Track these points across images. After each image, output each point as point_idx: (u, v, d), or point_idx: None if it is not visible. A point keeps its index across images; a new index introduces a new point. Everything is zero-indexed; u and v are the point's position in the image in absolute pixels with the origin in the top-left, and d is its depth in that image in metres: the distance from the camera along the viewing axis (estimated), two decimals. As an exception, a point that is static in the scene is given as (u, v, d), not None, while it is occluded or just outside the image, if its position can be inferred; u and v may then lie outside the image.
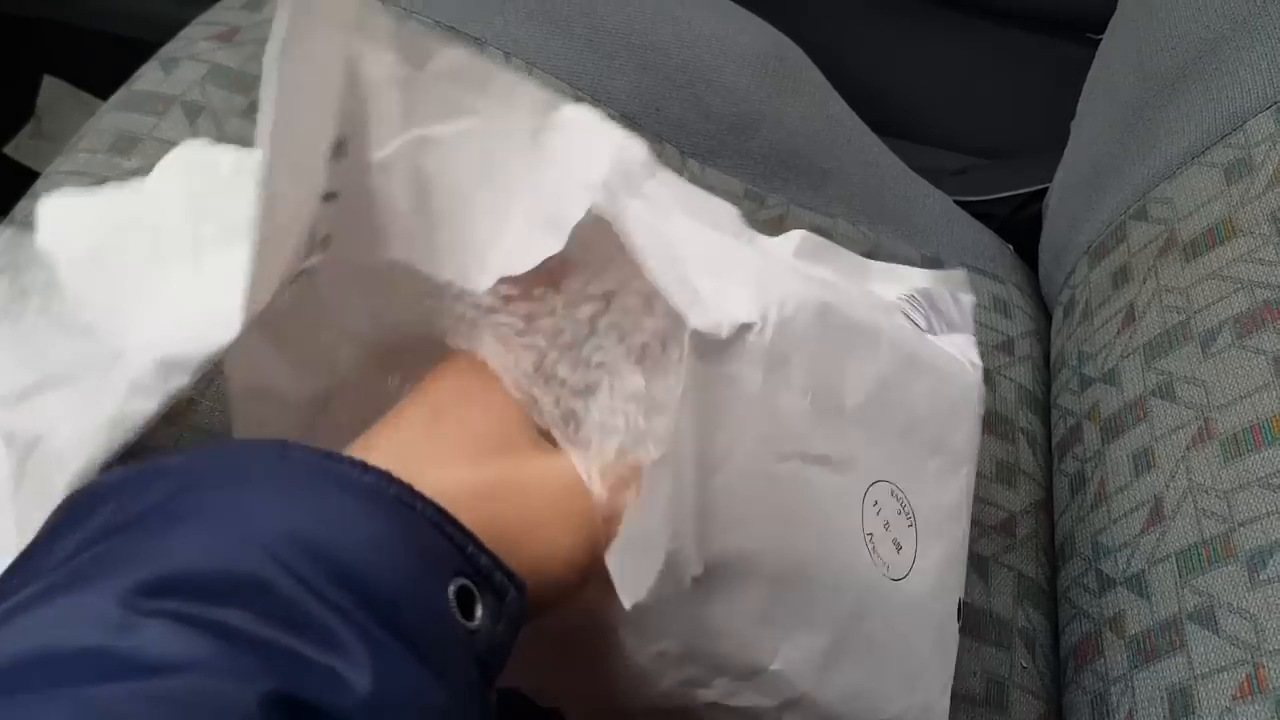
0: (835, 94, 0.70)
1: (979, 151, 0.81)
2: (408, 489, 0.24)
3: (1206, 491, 0.46)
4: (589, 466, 0.30)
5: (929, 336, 0.42)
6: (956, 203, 0.71)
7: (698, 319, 0.29)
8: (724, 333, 0.30)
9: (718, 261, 0.32)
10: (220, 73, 0.58)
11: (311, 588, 0.20)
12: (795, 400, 0.33)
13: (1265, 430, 0.45)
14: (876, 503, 0.34)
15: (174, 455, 0.24)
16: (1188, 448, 0.47)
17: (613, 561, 0.29)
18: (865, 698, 0.35)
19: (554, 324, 0.31)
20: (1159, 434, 0.50)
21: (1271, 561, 0.42)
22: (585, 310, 0.32)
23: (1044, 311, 0.68)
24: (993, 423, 0.59)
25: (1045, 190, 0.69)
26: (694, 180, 0.63)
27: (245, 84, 0.58)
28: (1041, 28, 0.78)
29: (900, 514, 0.35)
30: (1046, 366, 0.64)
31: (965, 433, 0.41)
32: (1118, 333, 0.56)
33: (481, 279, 0.31)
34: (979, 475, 0.57)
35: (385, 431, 0.29)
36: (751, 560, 0.31)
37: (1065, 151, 0.67)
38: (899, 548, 0.35)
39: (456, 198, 0.31)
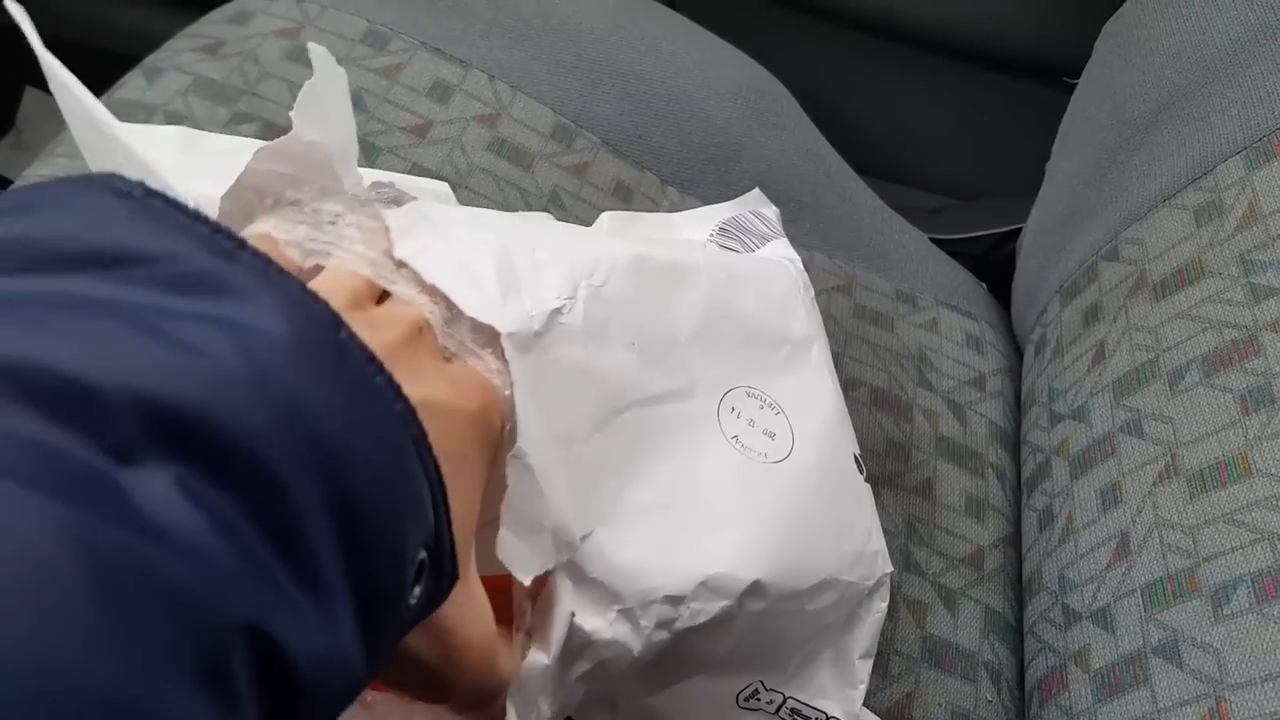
0: (815, 130, 0.71)
1: (955, 193, 0.82)
2: (397, 388, 0.21)
3: (1172, 527, 0.46)
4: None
5: (745, 255, 0.47)
6: (932, 240, 0.72)
7: (507, 324, 0.30)
8: (536, 325, 0.32)
9: (525, 258, 0.34)
10: (204, 84, 0.58)
11: (310, 505, 0.18)
12: (620, 356, 0.36)
13: (1231, 467, 0.45)
14: (734, 408, 0.38)
15: None
16: (1155, 483, 0.48)
17: (504, 553, 0.29)
18: (803, 567, 0.37)
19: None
20: (1126, 470, 0.50)
21: (1235, 596, 0.42)
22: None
23: (1016, 349, 0.68)
24: (962, 457, 0.59)
25: (1019, 230, 0.70)
26: (673, 209, 0.63)
27: (228, 96, 0.58)
28: (1019, 72, 0.80)
29: (764, 407, 0.40)
30: (1018, 403, 0.65)
31: (802, 318, 0.44)
32: (1088, 370, 0.56)
33: None
34: (948, 508, 0.57)
35: None
36: (638, 501, 0.34)
37: (1040, 193, 0.68)
38: (772, 435, 0.39)
39: None
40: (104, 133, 0.28)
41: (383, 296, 0.28)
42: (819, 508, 0.39)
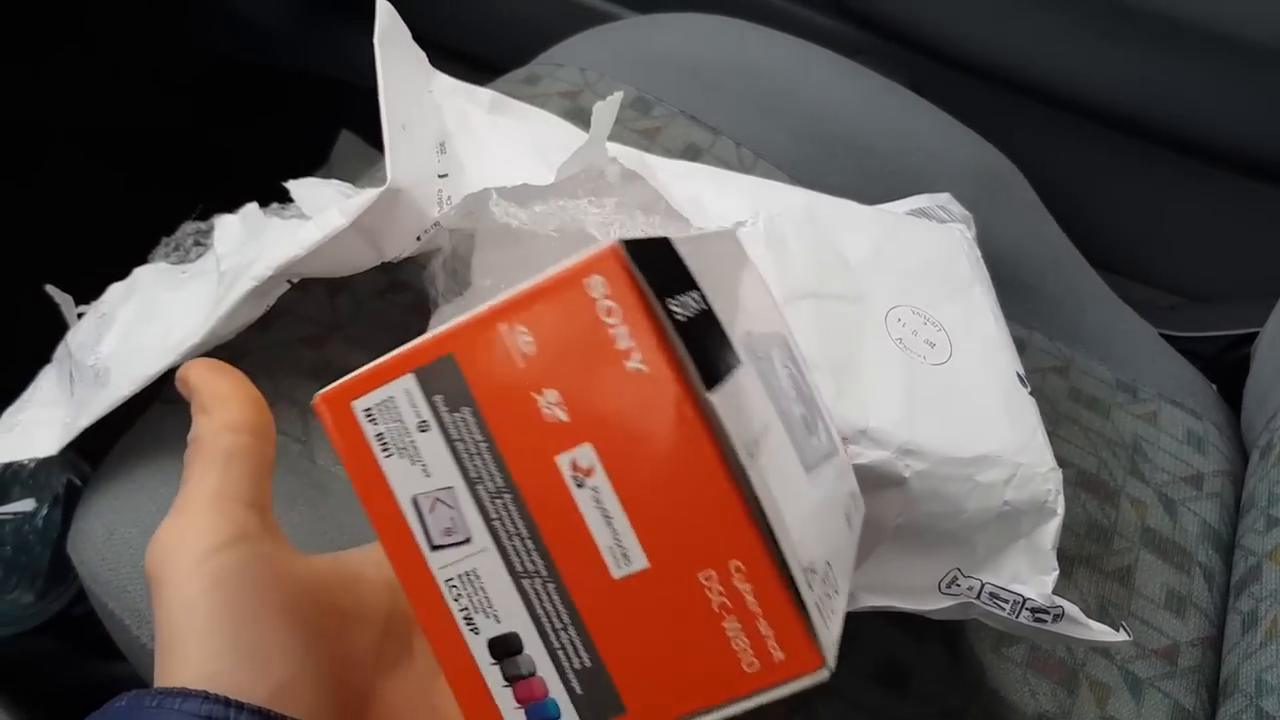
0: (1048, 216, 0.72)
1: (1191, 293, 0.80)
2: None
3: (1383, 639, 0.44)
4: None
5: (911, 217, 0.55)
6: (1162, 336, 0.71)
7: (698, 222, 0.43)
8: (727, 225, 0.44)
9: (722, 187, 0.48)
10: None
11: None
12: (801, 261, 0.45)
13: None
14: (900, 320, 0.45)
15: None
16: (1369, 594, 0.46)
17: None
18: (961, 437, 0.42)
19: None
20: (1342, 579, 0.48)
21: None
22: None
23: (1241, 454, 0.66)
24: (1169, 551, 0.58)
25: (1255, 334, 0.68)
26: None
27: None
28: (1264, 176, 0.78)
29: (927, 323, 0.46)
30: (1237, 508, 0.63)
31: (964, 265, 0.51)
32: (1312, 477, 0.54)
33: None
34: (1146, 598, 0.56)
35: None
36: (812, 360, 0.39)
37: (1281, 297, 0.67)
38: (932, 345, 0.45)
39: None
40: (422, 72, 0.46)
41: None
42: (976, 398, 0.44)
